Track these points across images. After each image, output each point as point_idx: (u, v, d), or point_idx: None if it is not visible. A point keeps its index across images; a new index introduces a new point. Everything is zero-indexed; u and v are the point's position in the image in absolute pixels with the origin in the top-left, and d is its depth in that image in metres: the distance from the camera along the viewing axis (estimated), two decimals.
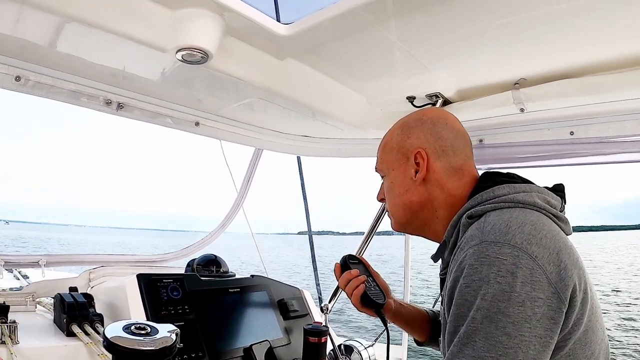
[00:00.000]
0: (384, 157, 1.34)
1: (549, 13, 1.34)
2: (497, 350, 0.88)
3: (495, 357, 0.88)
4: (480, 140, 2.21)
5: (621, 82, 1.64)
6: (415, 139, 1.25)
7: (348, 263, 1.52)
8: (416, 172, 1.23)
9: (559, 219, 1.10)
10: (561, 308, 0.92)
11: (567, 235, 1.09)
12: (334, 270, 1.54)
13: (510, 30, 1.45)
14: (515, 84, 1.82)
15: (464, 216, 1.12)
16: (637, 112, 1.80)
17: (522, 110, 1.89)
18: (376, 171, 1.39)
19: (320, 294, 3.23)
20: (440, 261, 1.26)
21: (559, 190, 1.18)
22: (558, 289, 0.92)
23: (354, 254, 1.66)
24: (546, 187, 1.16)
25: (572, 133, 1.97)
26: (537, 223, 1.01)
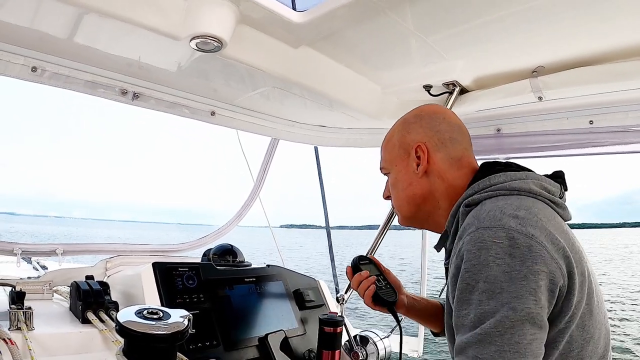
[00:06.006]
0: (386, 154, 1.39)
1: None
2: (504, 325, 0.90)
3: (501, 331, 0.89)
4: (498, 130, 2.19)
5: None
6: (415, 134, 1.30)
7: (359, 265, 1.56)
8: (418, 165, 1.27)
9: (557, 205, 1.12)
10: (560, 281, 0.94)
11: (565, 220, 1.12)
12: (346, 272, 1.58)
13: (529, 17, 1.43)
14: (534, 71, 1.79)
15: (462, 205, 1.15)
16: None
17: (540, 98, 1.86)
18: (381, 171, 1.44)
19: (337, 285, 3.22)
20: (443, 251, 1.30)
21: (558, 177, 1.20)
22: (558, 261, 0.94)
23: (364, 254, 1.69)
24: (546, 175, 1.18)
25: (591, 122, 1.94)
26: (531, 208, 1.03)
